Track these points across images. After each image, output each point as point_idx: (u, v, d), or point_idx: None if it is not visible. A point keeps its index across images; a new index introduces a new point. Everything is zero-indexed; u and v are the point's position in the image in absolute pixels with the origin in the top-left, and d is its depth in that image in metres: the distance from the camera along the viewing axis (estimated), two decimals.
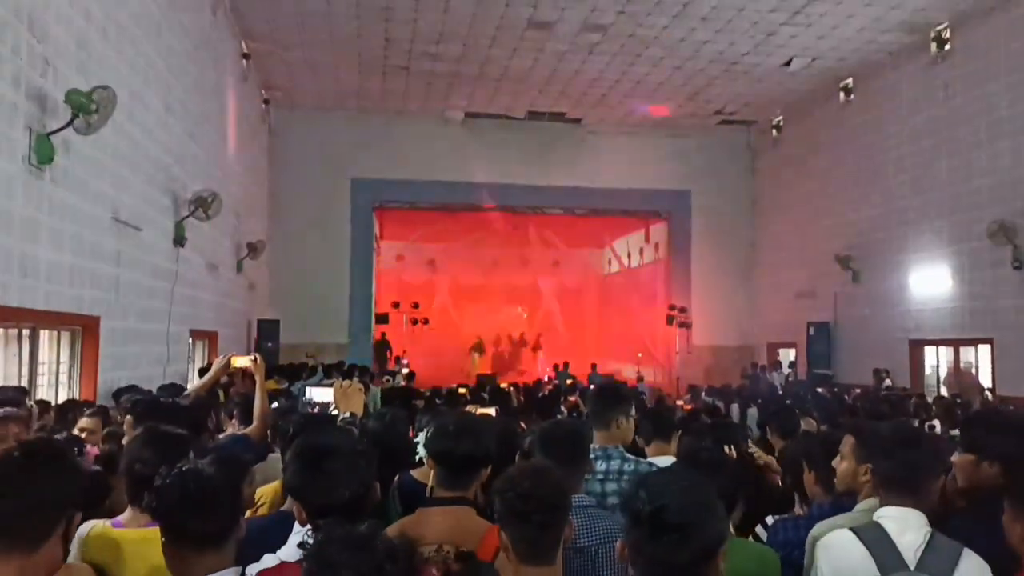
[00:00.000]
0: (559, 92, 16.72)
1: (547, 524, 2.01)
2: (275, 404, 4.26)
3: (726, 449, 3.30)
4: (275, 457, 3.49)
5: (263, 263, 15.49)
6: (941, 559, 2.17)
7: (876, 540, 2.22)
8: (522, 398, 10.86)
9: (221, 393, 7.35)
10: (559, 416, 8.99)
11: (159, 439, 2.50)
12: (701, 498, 1.74)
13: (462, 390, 11.48)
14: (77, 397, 7.13)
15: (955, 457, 2.71)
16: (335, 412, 2.80)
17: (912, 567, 2.16)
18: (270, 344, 14.62)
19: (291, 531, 2.17)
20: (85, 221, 7.14)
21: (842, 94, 15.75)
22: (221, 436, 4.01)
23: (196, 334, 11.20)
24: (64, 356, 7.41)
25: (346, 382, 2.66)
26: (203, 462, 2.05)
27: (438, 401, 10.94)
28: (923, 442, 2.41)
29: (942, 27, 12.85)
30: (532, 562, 2.01)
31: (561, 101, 17.38)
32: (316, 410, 3.38)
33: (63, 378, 7.39)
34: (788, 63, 14.79)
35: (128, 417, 3.70)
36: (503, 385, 12.81)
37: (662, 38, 13.76)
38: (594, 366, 19.56)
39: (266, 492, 3.12)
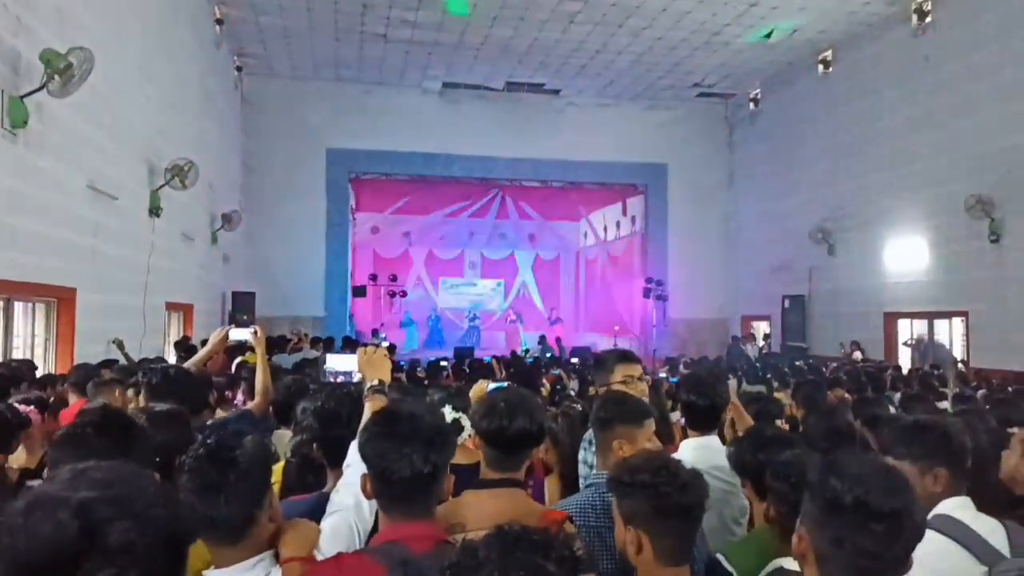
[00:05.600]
0: (539, 63, 16.52)
1: (699, 518, 1.91)
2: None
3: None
4: (281, 433, 3.37)
5: (238, 234, 15.19)
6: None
7: (963, 534, 2.13)
8: (503, 371, 10.79)
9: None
10: (541, 389, 9.00)
11: (159, 419, 2.39)
12: (903, 482, 1.61)
13: (443, 363, 11.43)
14: (53, 371, 6.94)
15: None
16: (358, 381, 2.65)
17: (1008, 554, 2.07)
18: (245, 317, 14.34)
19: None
20: (60, 189, 6.90)
21: (820, 66, 15.74)
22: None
23: (171, 306, 10.97)
24: (39, 329, 7.21)
25: (370, 347, 2.49)
26: (221, 445, 1.87)
27: (419, 373, 10.87)
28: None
29: None
30: (675, 562, 1.88)
31: (540, 72, 17.17)
32: (339, 379, 3.26)
33: (38, 351, 7.18)
34: (769, 35, 14.74)
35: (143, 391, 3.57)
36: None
37: (644, 8, 13.60)
38: (558, 339, 19.66)
39: (275, 471, 2.98)
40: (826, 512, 1.58)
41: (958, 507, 2.20)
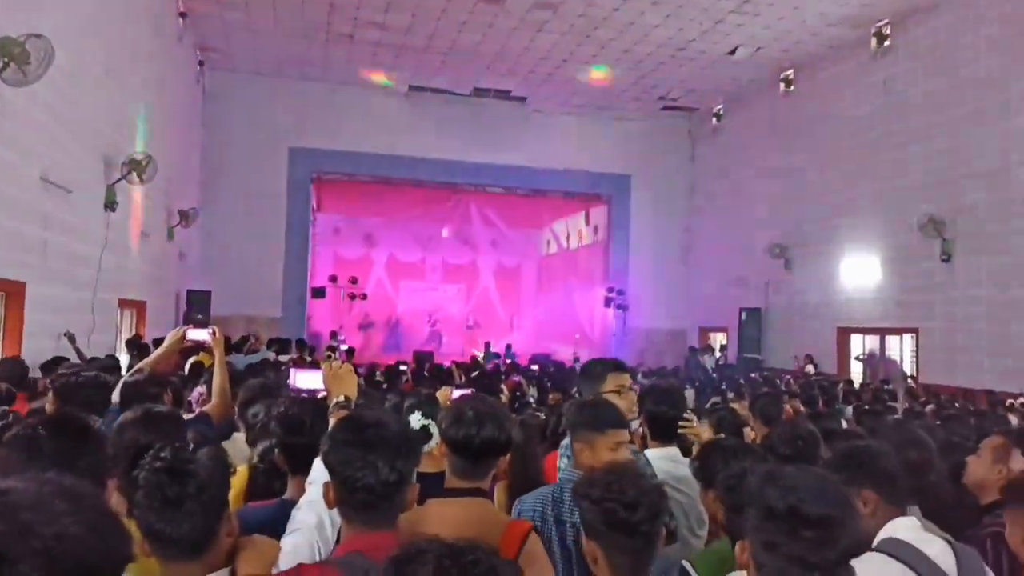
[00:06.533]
0: (506, 69, 16.54)
1: (655, 534, 1.88)
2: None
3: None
4: (239, 436, 3.29)
5: (195, 231, 14.90)
6: (975, 570, 2.09)
7: (911, 556, 2.09)
8: (462, 377, 10.75)
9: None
10: (501, 396, 8.97)
11: (158, 420, 2.32)
12: (838, 492, 1.64)
13: (402, 367, 11.34)
14: None
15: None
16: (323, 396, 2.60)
17: None
18: (200, 316, 14.09)
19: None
20: (12, 179, 6.69)
21: (782, 85, 16.02)
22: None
23: (124, 303, 10.71)
24: None
25: (336, 362, 2.44)
26: (177, 458, 1.78)
27: (376, 377, 10.77)
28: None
29: (883, 23, 13.17)
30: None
31: (507, 79, 17.20)
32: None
33: None
34: (733, 51, 14.95)
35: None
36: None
37: (612, 19, 13.71)
38: (508, 346, 19.67)
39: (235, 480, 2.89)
40: (762, 519, 1.61)
41: (904, 528, 2.19)
